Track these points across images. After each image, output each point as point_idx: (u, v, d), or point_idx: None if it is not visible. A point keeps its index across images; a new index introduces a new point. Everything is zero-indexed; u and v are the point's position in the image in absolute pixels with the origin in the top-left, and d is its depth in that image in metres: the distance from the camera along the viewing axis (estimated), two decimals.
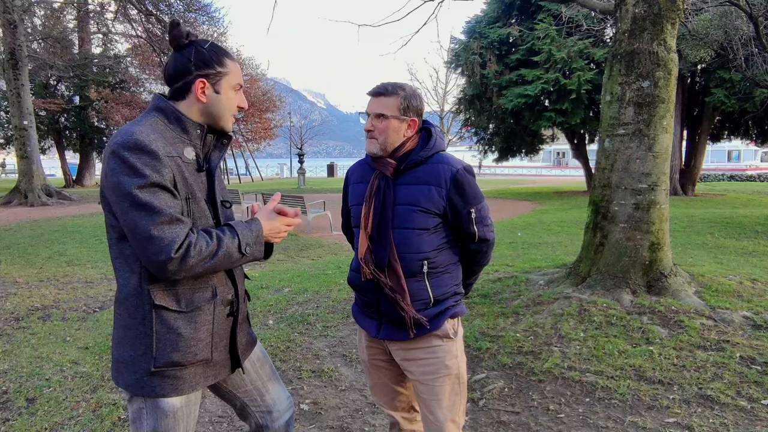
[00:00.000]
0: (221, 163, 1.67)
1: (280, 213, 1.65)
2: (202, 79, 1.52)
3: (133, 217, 1.36)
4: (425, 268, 1.81)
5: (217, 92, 1.55)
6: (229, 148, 1.73)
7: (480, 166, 38.04)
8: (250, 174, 38.66)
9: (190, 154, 1.53)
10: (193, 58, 1.52)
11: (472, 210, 1.82)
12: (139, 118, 1.51)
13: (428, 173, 1.81)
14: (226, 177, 33.58)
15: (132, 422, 1.55)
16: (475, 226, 1.84)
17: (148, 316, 1.46)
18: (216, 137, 1.62)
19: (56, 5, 21.39)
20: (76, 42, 25.39)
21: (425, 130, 1.91)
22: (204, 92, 1.53)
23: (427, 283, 1.83)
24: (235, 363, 1.67)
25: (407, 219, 1.80)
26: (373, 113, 1.82)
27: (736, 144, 36.84)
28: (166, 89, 1.61)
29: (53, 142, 28.01)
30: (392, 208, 1.81)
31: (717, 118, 18.01)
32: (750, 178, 32.15)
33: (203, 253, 1.41)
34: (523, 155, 22.02)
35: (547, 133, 20.47)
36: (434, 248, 1.83)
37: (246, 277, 1.81)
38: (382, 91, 1.82)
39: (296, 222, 1.66)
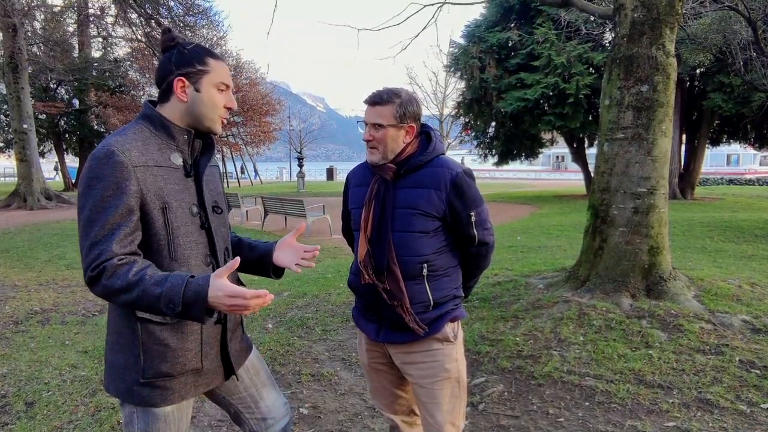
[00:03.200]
0: (221, 167, 1.65)
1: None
2: (180, 78, 1.51)
3: (81, 229, 1.39)
4: (425, 271, 1.82)
5: (197, 90, 1.53)
6: (228, 151, 1.73)
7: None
8: (255, 177, 38.71)
9: (177, 159, 1.52)
10: (173, 59, 1.52)
11: (472, 213, 1.82)
12: (127, 126, 1.52)
13: (428, 177, 1.81)
14: (225, 180, 33.60)
15: (125, 425, 1.56)
16: (474, 229, 1.84)
17: (136, 327, 1.47)
18: (203, 141, 1.62)
19: (56, 9, 21.43)
20: (76, 45, 25.43)
21: (424, 134, 1.91)
22: (184, 91, 1.52)
23: (426, 286, 1.83)
24: (229, 370, 1.67)
25: (407, 222, 1.80)
26: (370, 123, 1.82)
27: (735, 148, 36.88)
28: None
29: (53, 145, 28.03)
30: (392, 212, 1.81)
31: (716, 122, 18.04)
32: (749, 182, 32.20)
33: (114, 284, 1.34)
34: (522, 159, 22.05)
35: (546, 136, 20.50)
36: (434, 251, 1.83)
37: (240, 283, 1.78)
38: (378, 99, 1.81)
39: (257, 301, 1.34)
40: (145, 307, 1.37)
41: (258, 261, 1.82)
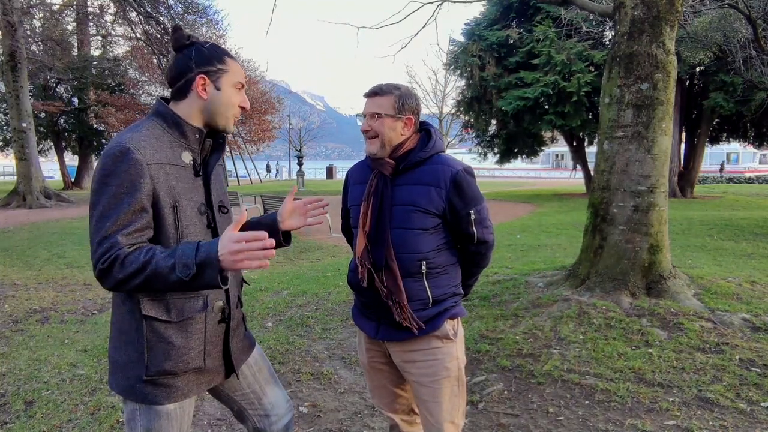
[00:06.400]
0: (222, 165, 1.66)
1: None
2: (202, 75, 1.53)
3: (93, 224, 1.39)
4: (424, 269, 1.81)
5: (217, 89, 1.55)
6: (227, 149, 1.73)
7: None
8: (276, 174, 39.13)
9: (187, 158, 1.53)
10: (193, 56, 1.54)
11: (472, 211, 1.82)
12: (139, 122, 1.52)
13: (428, 174, 1.81)
14: (225, 179, 33.56)
15: (126, 422, 1.55)
16: (474, 228, 1.84)
17: (140, 325, 1.46)
18: (213, 141, 1.63)
19: (56, 7, 21.40)
20: (75, 44, 25.40)
21: (425, 131, 1.91)
22: (205, 89, 1.53)
23: (425, 283, 1.82)
24: (230, 369, 1.67)
25: (406, 219, 1.79)
26: (368, 113, 1.83)
27: (735, 146, 36.91)
28: (164, 92, 1.60)
29: (52, 144, 28.00)
30: (390, 208, 1.81)
31: (715, 120, 18.03)
32: (748, 180, 32.21)
33: (127, 270, 1.34)
34: (523, 157, 22.05)
35: (547, 135, 20.49)
36: (433, 249, 1.82)
37: (244, 282, 1.80)
38: (377, 91, 1.83)
39: (259, 245, 1.30)
40: (159, 285, 1.35)
41: (268, 230, 1.80)
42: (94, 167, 1.49)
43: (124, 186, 1.37)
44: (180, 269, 1.32)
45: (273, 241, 1.31)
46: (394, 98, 1.81)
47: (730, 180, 32.53)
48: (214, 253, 1.32)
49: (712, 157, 39.84)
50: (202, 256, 1.32)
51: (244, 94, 1.63)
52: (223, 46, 1.65)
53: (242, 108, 1.62)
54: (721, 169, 38.29)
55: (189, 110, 1.55)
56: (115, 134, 26.29)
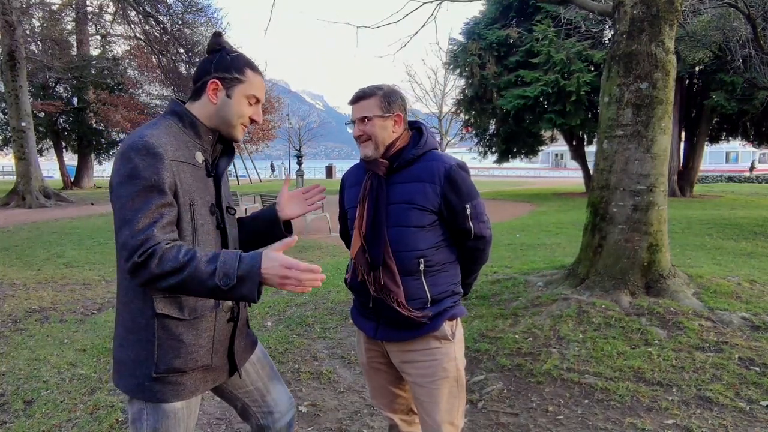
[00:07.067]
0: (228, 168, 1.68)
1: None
2: (215, 80, 1.54)
3: (120, 218, 1.38)
4: (422, 266, 1.81)
5: (228, 96, 1.56)
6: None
7: None
8: (282, 173, 39.67)
9: (200, 158, 1.55)
10: (214, 61, 1.56)
11: (467, 206, 1.82)
12: (155, 120, 1.53)
13: (422, 171, 1.81)
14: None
15: (132, 422, 1.55)
16: (471, 223, 1.84)
17: (151, 323, 1.46)
18: (225, 144, 1.65)
19: (55, 7, 21.39)
20: (75, 43, 25.38)
21: (416, 129, 1.91)
22: (216, 93, 1.55)
23: (424, 281, 1.82)
24: (233, 368, 1.68)
25: (402, 217, 1.80)
26: (357, 118, 1.83)
27: (734, 145, 36.95)
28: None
29: (51, 143, 27.97)
30: (386, 207, 1.81)
31: (715, 119, 18.04)
32: (748, 180, 32.23)
33: (165, 267, 1.32)
34: (522, 157, 22.06)
35: (546, 134, 20.50)
36: (430, 246, 1.82)
37: None
38: (361, 95, 1.84)
39: (310, 276, 1.34)
40: (192, 287, 1.34)
41: (269, 225, 1.84)
42: (114, 162, 1.50)
43: (151, 180, 1.38)
44: (220, 278, 1.32)
45: (324, 276, 1.35)
46: (378, 98, 1.81)
47: (730, 179, 32.52)
48: (257, 267, 1.33)
49: (712, 156, 39.87)
50: (244, 269, 1.32)
51: (257, 108, 1.62)
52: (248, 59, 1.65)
53: (253, 121, 1.62)
54: (752, 168, 37.16)
55: (201, 112, 1.56)
56: (115, 132, 26.31)
